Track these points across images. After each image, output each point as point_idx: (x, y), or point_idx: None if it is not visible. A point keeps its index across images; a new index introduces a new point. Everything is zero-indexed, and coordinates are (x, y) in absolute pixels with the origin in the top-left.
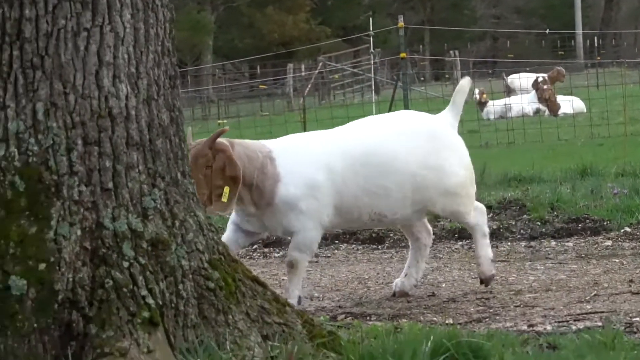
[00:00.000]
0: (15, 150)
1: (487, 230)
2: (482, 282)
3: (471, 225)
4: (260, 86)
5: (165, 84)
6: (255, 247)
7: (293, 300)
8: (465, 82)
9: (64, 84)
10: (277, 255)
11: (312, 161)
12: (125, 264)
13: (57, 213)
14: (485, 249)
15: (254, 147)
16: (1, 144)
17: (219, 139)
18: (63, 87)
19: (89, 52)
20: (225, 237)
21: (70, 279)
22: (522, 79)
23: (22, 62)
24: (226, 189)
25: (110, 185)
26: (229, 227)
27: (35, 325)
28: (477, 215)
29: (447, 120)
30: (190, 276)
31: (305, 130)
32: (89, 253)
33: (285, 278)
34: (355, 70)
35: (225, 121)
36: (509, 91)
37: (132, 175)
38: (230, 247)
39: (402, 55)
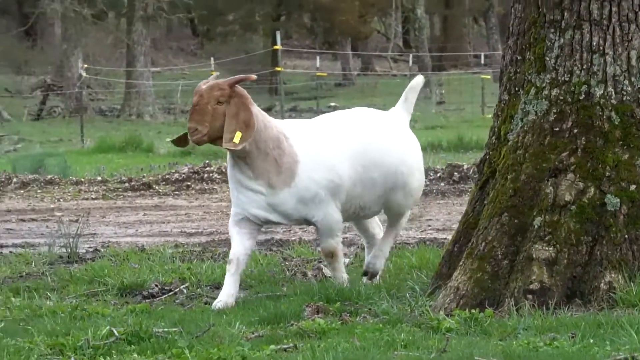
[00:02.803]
0: (612, 90)
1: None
2: (366, 274)
3: (400, 221)
4: None
5: None
6: None
7: (345, 281)
8: (418, 80)
9: None
10: None
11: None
12: None
13: None
14: (389, 245)
15: (271, 119)
16: (600, 85)
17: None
18: None
19: None
20: (234, 251)
21: None
22: None
23: (619, 16)
24: (238, 134)
25: None
26: (234, 237)
27: (626, 236)
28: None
29: (402, 119)
30: None
31: None
32: None
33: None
34: None
35: None
36: None
37: None
38: (242, 260)
39: None
